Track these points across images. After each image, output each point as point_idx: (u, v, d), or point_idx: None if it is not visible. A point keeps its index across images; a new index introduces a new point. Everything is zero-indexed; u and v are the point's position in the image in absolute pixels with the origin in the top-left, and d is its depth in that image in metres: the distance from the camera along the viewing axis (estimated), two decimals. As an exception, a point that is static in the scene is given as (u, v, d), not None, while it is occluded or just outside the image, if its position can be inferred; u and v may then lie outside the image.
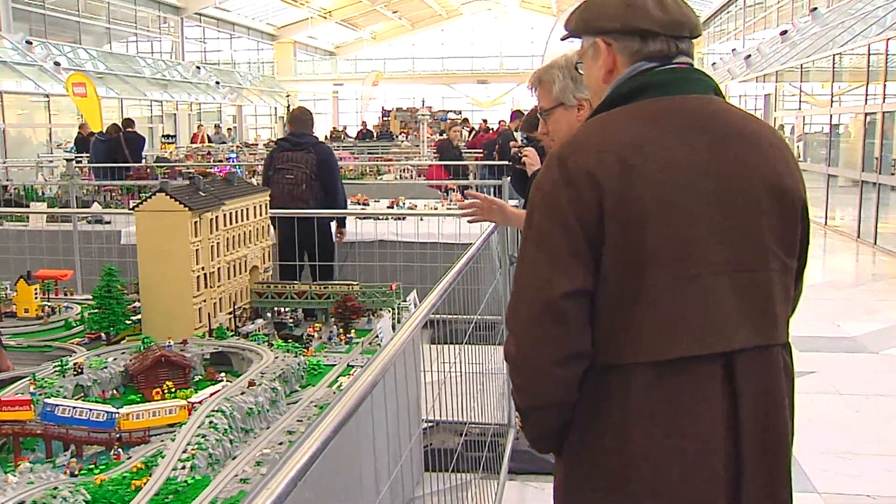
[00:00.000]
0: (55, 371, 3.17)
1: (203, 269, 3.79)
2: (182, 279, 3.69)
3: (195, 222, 3.69)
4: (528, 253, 1.77)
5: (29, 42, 24.83)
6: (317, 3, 42.30)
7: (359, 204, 10.65)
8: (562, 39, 2.19)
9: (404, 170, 15.55)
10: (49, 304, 4.60)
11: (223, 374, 3.40)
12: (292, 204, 6.79)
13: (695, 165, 1.75)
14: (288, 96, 27.93)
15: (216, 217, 3.89)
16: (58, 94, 23.46)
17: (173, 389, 3.17)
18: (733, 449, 1.75)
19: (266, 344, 3.62)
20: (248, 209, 4.25)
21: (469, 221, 3.50)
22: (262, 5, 39.67)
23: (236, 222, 4.13)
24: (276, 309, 4.31)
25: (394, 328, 4.21)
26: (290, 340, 3.78)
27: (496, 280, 5.52)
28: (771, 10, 27.91)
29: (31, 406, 2.71)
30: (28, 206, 9.60)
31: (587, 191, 1.70)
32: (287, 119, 7.71)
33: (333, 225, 7.41)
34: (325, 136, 29.19)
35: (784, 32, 22.20)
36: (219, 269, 3.94)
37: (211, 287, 3.86)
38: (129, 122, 15.18)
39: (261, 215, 4.43)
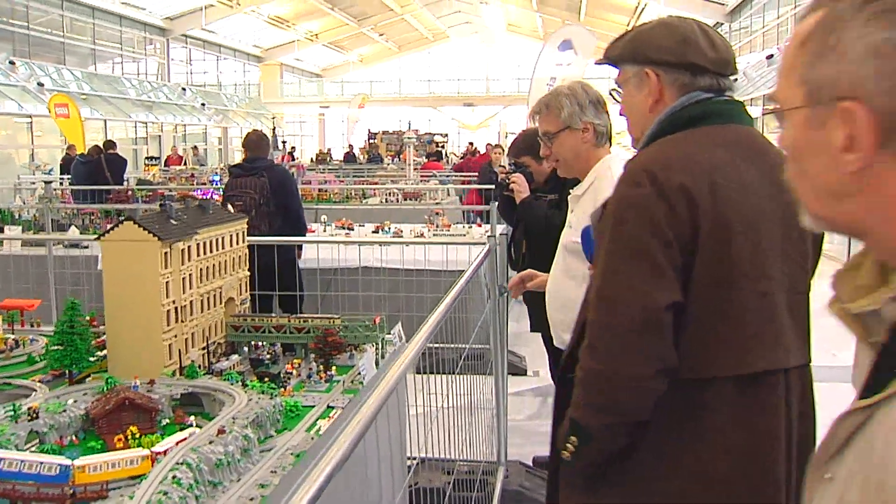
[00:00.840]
0: (6, 416, 2.91)
1: (174, 302, 3.55)
2: (151, 313, 3.45)
3: (165, 253, 3.46)
4: (619, 265, 1.78)
5: (12, 62, 24.56)
6: (304, 26, 42.20)
7: (343, 228, 10.43)
8: (597, 63, 2.34)
9: (390, 193, 15.36)
10: (13, 336, 4.34)
11: (192, 418, 3.15)
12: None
13: (762, 188, 1.88)
14: (273, 118, 27.71)
15: (188, 247, 3.65)
16: (41, 115, 23.17)
17: (138, 435, 2.92)
18: (787, 464, 1.86)
19: (240, 384, 3.38)
20: (223, 238, 4.02)
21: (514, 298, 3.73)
22: (248, 27, 39.51)
23: (211, 252, 3.90)
24: (253, 343, 4.07)
25: (377, 364, 3.97)
26: (266, 379, 3.53)
27: (486, 310, 5.31)
28: (756, 34, 27.96)
29: (-26, 459, 2.46)
30: (2, 230, 9.32)
31: (682, 206, 1.78)
32: (242, 143, 7.52)
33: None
34: (311, 159, 28.95)
35: (770, 56, 22.20)
36: (191, 301, 3.70)
37: (182, 321, 3.62)
38: (110, 144, 14.94)
39: (237, 244, 4.20)
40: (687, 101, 2.00)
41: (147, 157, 22.98)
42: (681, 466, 1.82)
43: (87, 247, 8.83)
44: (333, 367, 3.81)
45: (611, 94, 2.35)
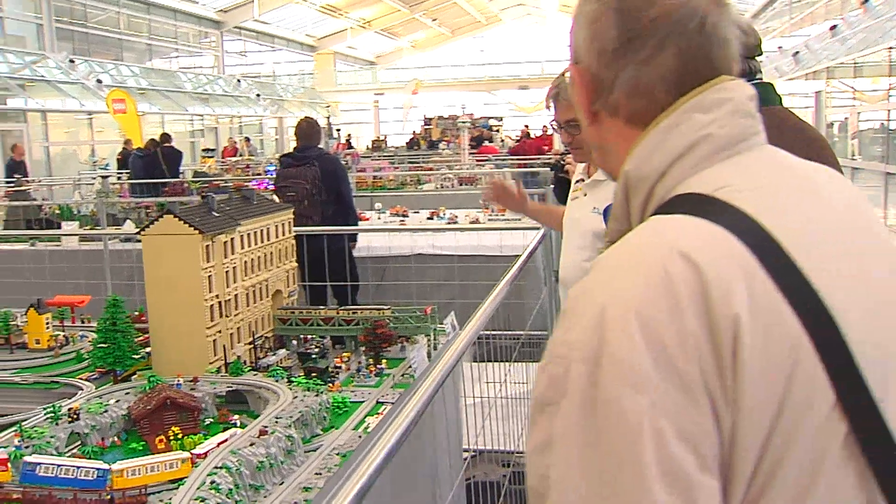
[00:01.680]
0: (47, 418, 2.84)
1: (217, 296, 3.45)
2: (193, 309, 3.35)
3: (207, 246, 3.35)
4: None
5: (72, 60, 24.96)
6: (356, 14, 42.16)
7: (398, 215, 10.35)
8: None
9: (445, 179, 15.21)
10: (63, 333, 4.30)
11: (236, 416, 3.05)
12: (297, 222, 6.49)
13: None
14: (328, 107, 27.70)
15: (231, 239, 3.55)
16: (100, 112, 23.47)
17: (180, 436, 2.82)
18: None
19: (285, 380, 3.26)
20: (268, 229, 3.91)
21: (482, 200, 3.70)
22: (301, 17, 39.60)
23: (255, 244, 3.79)
24: (302, 336, 3.96)
25: (430, 356, 3.84)
26: (313, 375, 3.42)
27: (542, 295, 5.14)
28: (819, 5, 27.10)
29: (9, 465, 2.38)
30: (59, 226, 9.40)
31: None
32: (294, 133, 7.41)
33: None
34: (367, 147, 28.92)
35: (834, 27, 21.47)
36: (236, 295, 3.60)
37: (226, 316, 3.52)
38: (166, 137, 15.01)
39: (283, 235, 4.09)
40: None
41: (204, 150, 23.19)
42: None
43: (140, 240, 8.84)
44: (384, 361, 3.68)
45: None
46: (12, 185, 11.27)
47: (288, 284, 4.14)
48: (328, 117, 27.15)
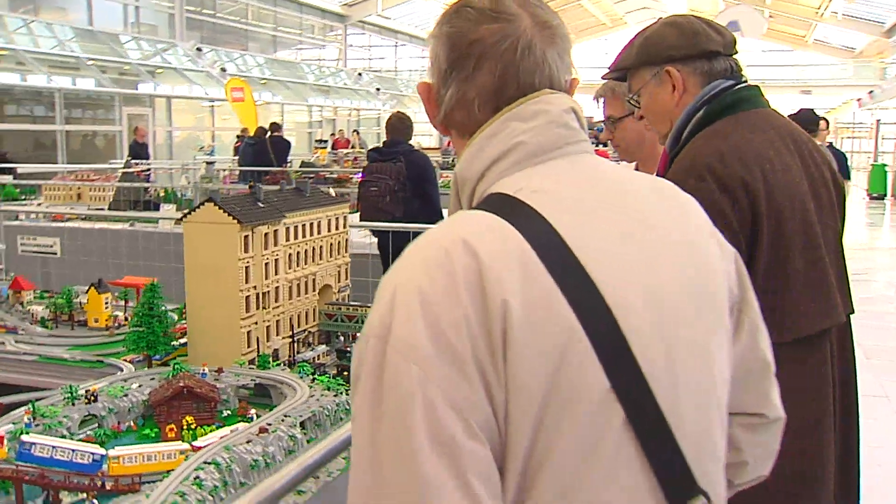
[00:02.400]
0: (64, 398, 2.86)
1: (255, 288, 3.42)
2: (229, 299, 3.34)
3: (246, 236, 3.33)
4: None
5: (199, 49, 25.81)
6: (479, 12, 42.13)
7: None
8: (605, 78, 2.55)
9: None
10: (122, 314, 4.38)
11: (254, 411, 3.01)
12: (378, 217, 6.42)
13: (794, 166, 2.09)
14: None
15: (275, 231, 3.52)
16: (222, 99, 24.20)
17: (193, 426, 2.80)
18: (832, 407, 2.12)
19: (309, 377, 3.20)
20: (318, 223, 3.87)
21: None
22: (424, 13, 39.88)
23: (303, 237, 3.75)
24: (349, 334, 3.91)
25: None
26: (345, 373, 3.35)
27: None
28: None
29: (4, 443, 2.39)
30: (158, 208, 9.67)
31: (742, 198, 1.96)
32: (385, 127, 7.36)
33: None
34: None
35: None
36: (277, 288, 3.57)
37: (264, 308, 3.49)
38: (275, 126, 15.31)
39: (336, 229, 4.04)
40: (711, 91, 2.16)
41: (317, 140, 23.58)
42: None
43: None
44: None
45: (629, 102, 2.41)
46: (122, 167, 11.66)
47: (339, 280, 4.10)
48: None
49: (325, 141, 23.22)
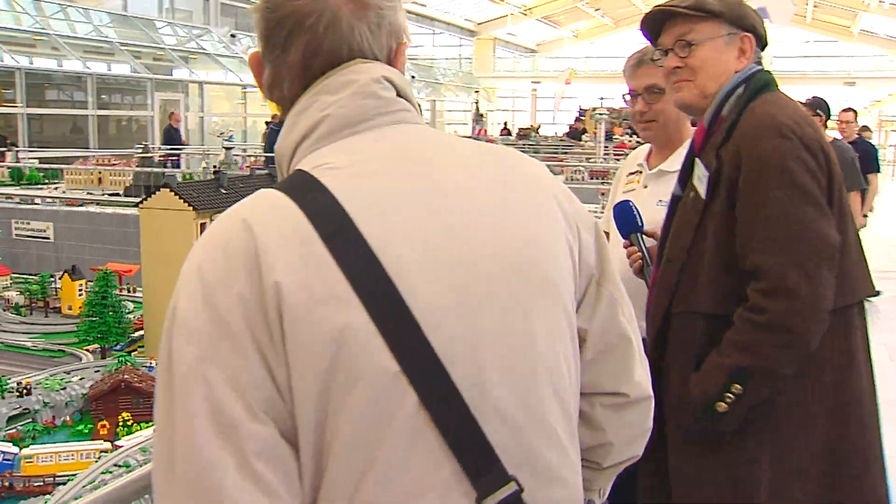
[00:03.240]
0: (-7, 391, 2.74)
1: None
2: (184, 289, 3.19)
3: (203, 224, 3.19)
4: (798, 209, 1.98)
5: (233, 35, 25.84)
6: (517, 0, 41.85)
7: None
8: (669, 8, 2.31)
9: (576, 171, 14.76)
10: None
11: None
12: None
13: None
14: (476, 92, 27.58)
15: (237, 219, 3.37)
16: (253, 85, 24.21)
17: (130, 422, 2.67)
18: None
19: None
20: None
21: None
22: (461, 1, 39.66)
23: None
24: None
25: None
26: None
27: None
28: None
29: None
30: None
31: (820, 157, 2.02)
32: None
33: None
34: (515, 134, 28.67)
35: None
36: (239, 278, 3.42)
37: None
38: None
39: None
40: (752, 69, 2.23)
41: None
42: (825, 386, 2.05)
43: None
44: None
45: (672, 47, 2.29)
46: (139, 151, 11.64)
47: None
48: (476, 102, 27.05)
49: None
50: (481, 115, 24.35)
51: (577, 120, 31.23)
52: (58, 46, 19.78)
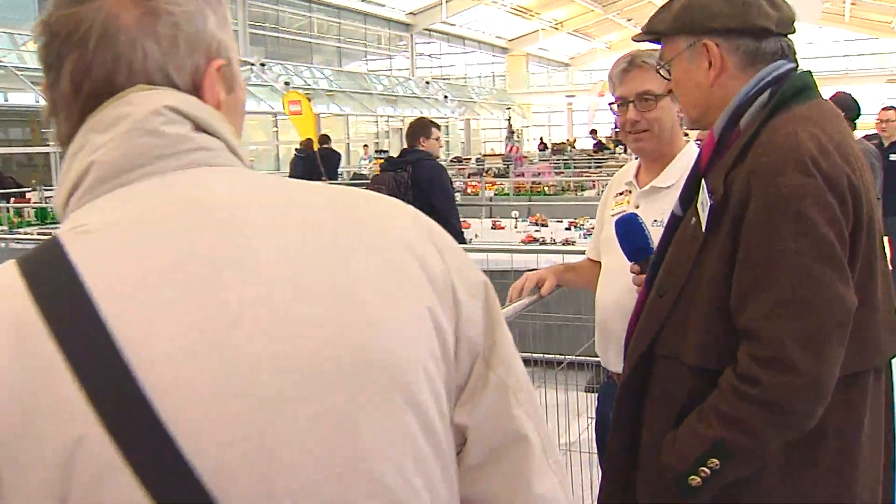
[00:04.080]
0: None
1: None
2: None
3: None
4: (811, 266, 1.65)
5: (263, 64, 25.99)
6: (548, 15, 41.66)
7: (536, 224, 9.77)
8: (635, 40, 2.19)
9: (605, 185, 14.34)
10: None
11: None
12: None
13: (866, 167, 1.82)
14: (509, 109, 27.34)
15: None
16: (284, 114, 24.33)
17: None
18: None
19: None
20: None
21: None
22: (491, 19, 39.59)
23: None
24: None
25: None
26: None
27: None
28: None
29: None
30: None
31: (849, 200, 1.69)
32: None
33: None
34: (543, 147, 28.34)
35: None
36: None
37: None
38: (325, 139, 15.12)
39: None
40: (775, 69, 1.85)
41: (376, 151, 23.41)
42: (818, 463, 1.77)
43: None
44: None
45: (657, 71, 2.11)
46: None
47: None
48: (509, 119, 26.83)
49: (386, 151, 22.99)
50: (513, 132, 24.06)
51: (616, 131, 30.85)
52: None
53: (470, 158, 24.49)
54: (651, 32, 2.02)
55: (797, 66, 1.89)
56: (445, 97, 35.58)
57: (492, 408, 0.96)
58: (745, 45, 1.85)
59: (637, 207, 2.74)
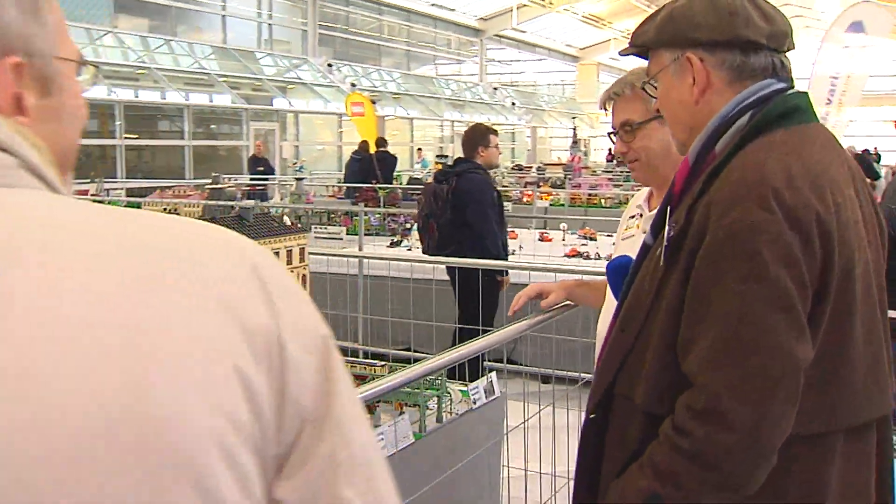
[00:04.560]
0: None
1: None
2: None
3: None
4: (756, 312, 1.49)
5: (329, 65, 26.13)
6: (620, 25, 41.12)
7: (585, 238, 9.58)
8: (622, 54, 2.06)
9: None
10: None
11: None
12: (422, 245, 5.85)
13: (855, 204, 1.66)
14: (574, 118, 27.05)
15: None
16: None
17: None
18: None
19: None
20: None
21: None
22: (562, 27, 39.23)
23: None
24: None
25: (423, 430, 3.08)
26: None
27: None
28: None
29: None
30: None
31: (816, 239, 1.51)
32: None
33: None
34: (615, 160, 27.97)
35: None
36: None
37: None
38: (381, 142, 15.05)
39: (289, 263, 3.48)
40: (761, 89, 1.69)
41: (437, 156, 23.29)
42: None
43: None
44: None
45: (643, 88, 2.07)
46: (209, 182, 11.57)
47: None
48: (574, 128, 26.59)
49: (446, 156, 22.84)
50: (577, 142, 23.79)
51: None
52: (158, 79, 20.26)
53: (531, 167, 24.29)
54: (635, 45, 1.88)
55: (789, 85, 1.72)
56: (513, 104, 35.38)
57: (317, 485, 0.78)
58: (731, 60, 1.70)
59: (645, 233, 2.59)
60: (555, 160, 32.71)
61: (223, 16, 24.44)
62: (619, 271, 2.31)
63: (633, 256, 2.57)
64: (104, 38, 20.70)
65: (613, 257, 2.67)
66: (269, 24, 26.49)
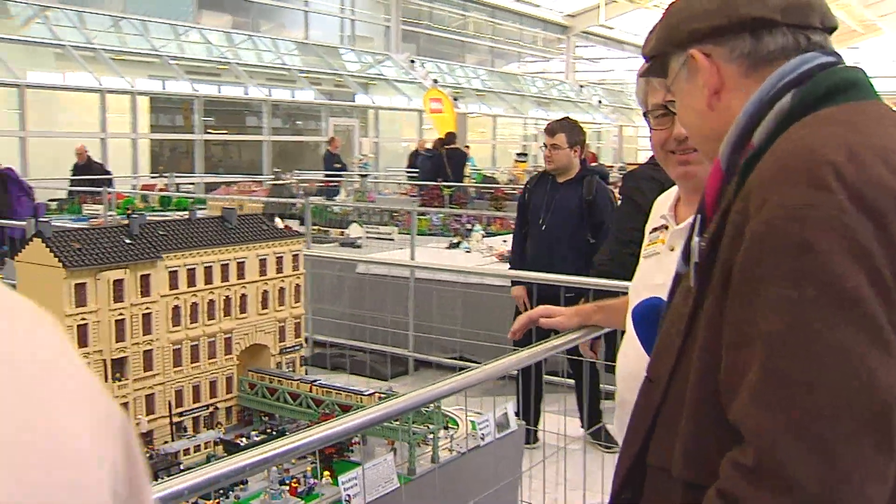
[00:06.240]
0: None
1: (100, 353, 2.54)
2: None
3: (79, 285, 2.46)
4: (816, 324, 1.07)
5: (412, 61, 25.88)
6: (714, 20, 40.02)
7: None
8: (640, 76, 1.84)
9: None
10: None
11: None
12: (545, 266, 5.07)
13: None
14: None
15: (143, 277, 2.62)
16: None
17: None
18: None
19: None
20: (240, 264, 2.94)
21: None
22: (651, 23, 38.16)
23: (205, 283, 2.84)
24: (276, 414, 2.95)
25: (413, 472, 2.65)
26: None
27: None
28: None
29: None
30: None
31: (893, 220, 1.11)
32: None
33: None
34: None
35: None
36: (147, 352, 2.67)
37: (124, 378, 2.61)
38: (451, 138, 14.63)
39: (280, 272, 3.09)
40: (801, 64, 1.30)
41: (517, 154, 22.78)
42: None
43: (359, 246, 8.35)
44: (328, 471, 2.56)
45: (666, 107, 1.93)
46: (272, 178, 11.34)
47: (283, 338, 3.13)
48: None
49: (525, 154, 22.29)
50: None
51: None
52: (239, 75, 20.32)
53: (612, 167, 23.54)
54: (646, 58, 1.58)
55: (837, 60, 1.34)
56: (599, 102, 34.59)
57: None
58: (741, 47, 1.37)
59: (672, 250, 2.12)
60: (641, 160, 31.84)
61: (306, 12, 24.42)
62: (649, 317, 1.90)
63: (660, 278, 2.11)
64: (188, 33, 20.89)
65: (636, 294, 2.20)
66: (352, 20, 26.37)
